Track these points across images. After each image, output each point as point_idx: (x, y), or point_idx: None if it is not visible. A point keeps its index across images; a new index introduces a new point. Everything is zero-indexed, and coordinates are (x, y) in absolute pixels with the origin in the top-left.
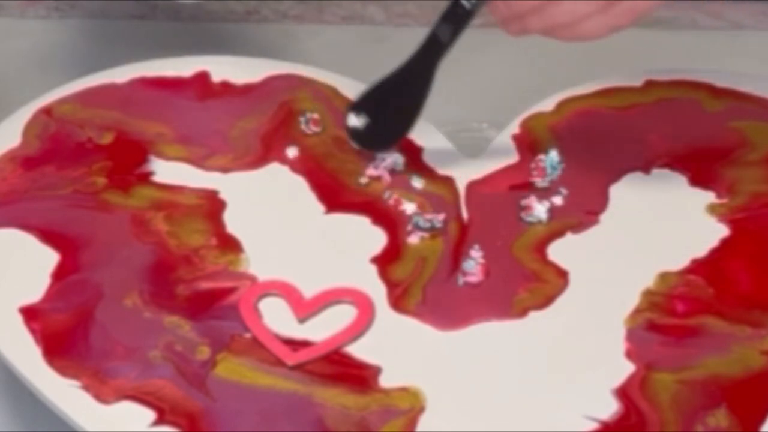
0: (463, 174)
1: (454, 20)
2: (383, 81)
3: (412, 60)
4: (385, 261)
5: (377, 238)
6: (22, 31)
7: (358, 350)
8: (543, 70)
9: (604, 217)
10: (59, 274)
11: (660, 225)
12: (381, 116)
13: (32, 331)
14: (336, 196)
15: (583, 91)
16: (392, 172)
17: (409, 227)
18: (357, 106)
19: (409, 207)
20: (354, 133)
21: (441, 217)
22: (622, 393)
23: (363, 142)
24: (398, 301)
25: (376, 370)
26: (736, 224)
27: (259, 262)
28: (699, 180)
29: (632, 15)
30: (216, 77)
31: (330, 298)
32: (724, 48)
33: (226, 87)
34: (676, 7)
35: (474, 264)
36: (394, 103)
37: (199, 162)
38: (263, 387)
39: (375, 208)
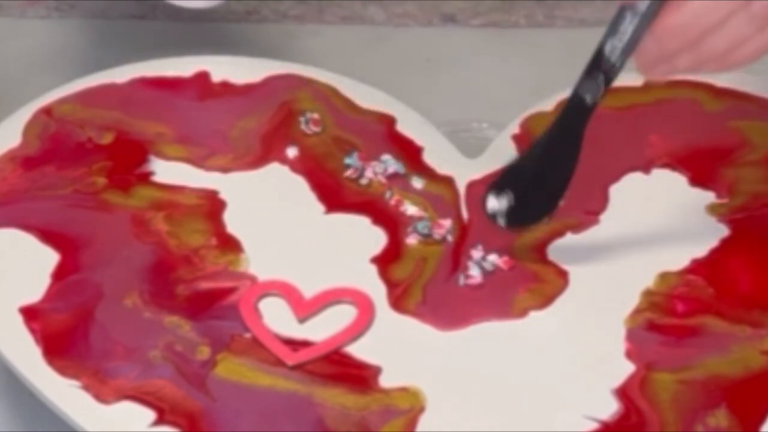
0: (463, 174)
1: (599, 76)
2: (524, 157)
3: (556, 129)
4: (385, 261)
5: (377, 238)
6: (22, 31)
7: (358, 350)
8: (543, 70)
9: (604, 217)
10: (59, 274)
11: (660, 225)
12: (525, 194)
13: (32, 331)
14: (336, 196)
15: None
16: (393, 174)
17: (409, 229)
18: (498, 186)
19: (409, 207)
20: (495, 214)
21: (442, 231)
22: (622, 393)
23: (508, 221)
24: (398, 301)
25: (376, 370)
26: (736, 224)
27: (259, 262)
28: (699, 180)
29: None
30: (216, 77)
31: (330, 298)
32: None
33: (226, 87)
34: None
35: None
36: (539, 179)
37: (199, 162)
38: (263, 387)
39: (375, 208)
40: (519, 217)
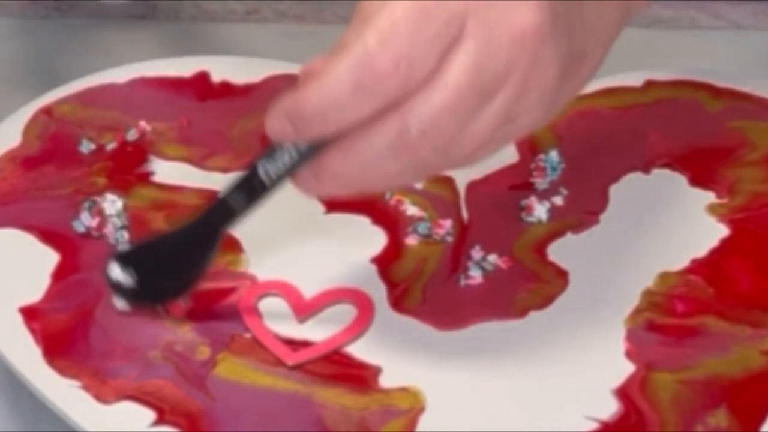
0: (463, 174)
1: (250, 192)
2: (159, 239)
3: (197, 222)
4: (385, 261)
5: (377, 238)
6: (22, 31)
7: (358, 350)
8: None
9: (604, 217)
10: (59, 274)
11: (660, 225)
12: (151, 274)
13: (32, 331)
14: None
15: (582, 90)
16: None
17: (409, 229)
18: (123, 258)
19: (409, 207)
20: (116, 285)
21: (442, 231)
22: (622, 393)
23: (126, 297)
24: (398, 301)
25: (376, 370)
26: (736, 224)
27: (259, 262)
28: (699, 180)
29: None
30: (216, 77)
31: (330, 298)
32: (724, 48)
33: (226, 87)
34: (676, 7)
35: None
36: (168, 263)
37: (199, 162)
38: (263, 387)
39: (375, 208)
40: (139, 294)
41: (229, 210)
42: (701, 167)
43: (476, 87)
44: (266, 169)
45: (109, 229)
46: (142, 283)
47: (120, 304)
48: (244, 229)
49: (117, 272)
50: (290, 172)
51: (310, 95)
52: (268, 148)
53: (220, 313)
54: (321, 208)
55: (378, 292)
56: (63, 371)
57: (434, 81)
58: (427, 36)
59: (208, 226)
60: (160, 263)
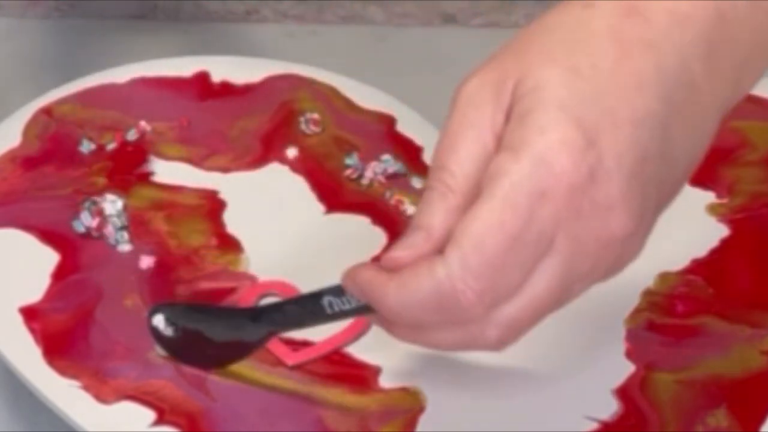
0: None
1: (308, 313)
2: (211, 309)
3: (250, 313)
4: None
5: (377, 238)
6: (22, 31)
7: (358, 350)
8: None
9: None
10: (59, 274)
11: (660, 225)
12: (190, 337)
13: (32, 331)
14: (336, 196)
15: None
16: (393, 174)
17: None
18: (170, 310)
19: (409, 207)
20: (158, 335)
21: None
22: (622, 393)
23: (168, 349)
24: None
25: (376, 370)
26: (736, 224)
27: (259, 262)
28: (699, 180)
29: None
30: (216, 77)
31: None
32: None
33: (226, 87)
34: None
35: None
36: (210, 336)
37: (199, 162)
38: (263, 387)
39: (375, 208)
40: (172, 347)
41: (282, 317)
42: (701, 167)
43: (559, 296)
44: (330, 302)
45: (109, 229)
46: (178, 341)
47: (159, 350)
48: (244, 229)
49: (159, 320)
50: (352, 313)
51: (389, 300)
52: (339, 285)
53: None
54: (321, 208)
55: None
56: (63, 371)
57: (517, 293)
58: (515, 263)
59: (259, 322)
60: (201, 332)
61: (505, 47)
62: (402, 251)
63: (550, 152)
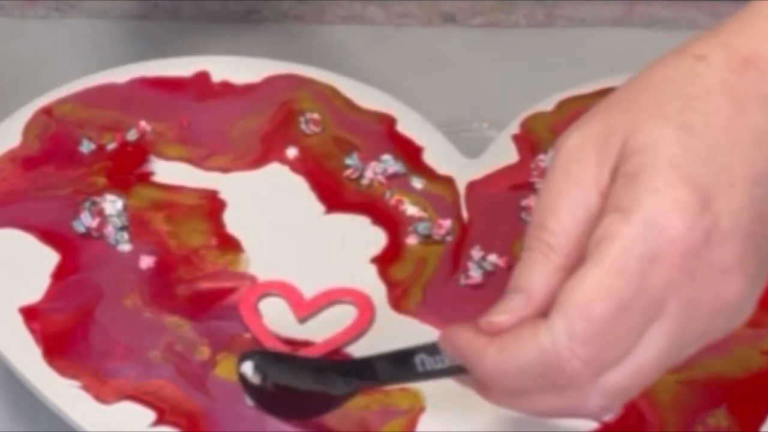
0: (463, 174)
1: (399, 371)
2: (300, 360)
3: (339, 366)
4: (385, 261)
5: (377, 238)
6: (22, 31)
7: (358, 350)
8: (543, 70)
9: None
10: (59, 274)
11: None
12: (276, 386)
13: (32, 331)
14: (336, 196)
15: (583, 91)
16: (393, 174)
17: (409, 229)
18: (261, 358)
19: (409, 208)
20: (245, 382)
21: (442, 231)
22: None
23: (253, 395)
24: (398, 301)
25: None
26: None
27: (259, 262)
28: None
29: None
30: (216, 77)
31: (330, 298)
32: None
33: (226, 87)
34: (676, 7)
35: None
36: (297, 387)
37: (199, 162)
38: None
39: (375, 208)
40: (257, 396)
41: (372, 373)
42: None
43: (668, 361)
44: (423, 360)
45: (109, 229)
46: (265, 389)
47: (247, 399)
48: (244, 229)
49: (248, 367)
50: (445, 373)
51: (487, 364)
52: (433, 343)
53: (220, 313)
54: (321, 208)
55: (378, 292)
56: (63, 371)
57: (624, 360)
58: (624, 329)
59: (349, 377)
60: (288, 383)
61: (609, 101)
62: (502, 315)
63: (663, 215)
